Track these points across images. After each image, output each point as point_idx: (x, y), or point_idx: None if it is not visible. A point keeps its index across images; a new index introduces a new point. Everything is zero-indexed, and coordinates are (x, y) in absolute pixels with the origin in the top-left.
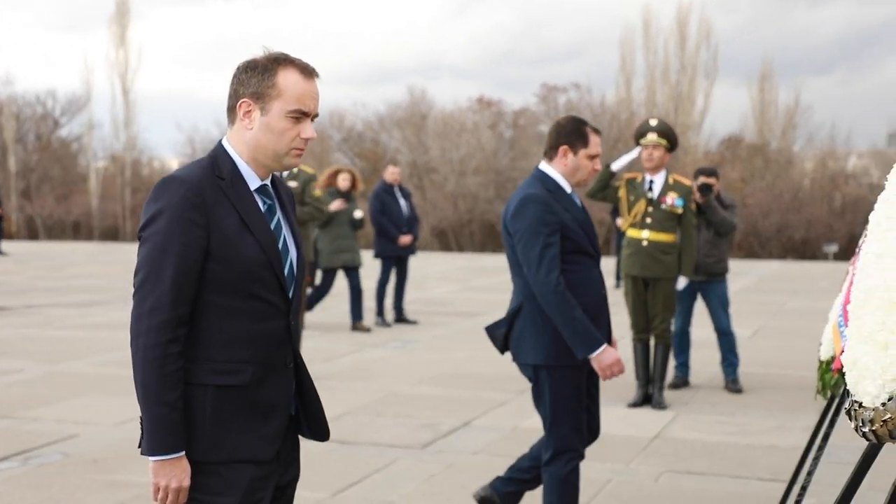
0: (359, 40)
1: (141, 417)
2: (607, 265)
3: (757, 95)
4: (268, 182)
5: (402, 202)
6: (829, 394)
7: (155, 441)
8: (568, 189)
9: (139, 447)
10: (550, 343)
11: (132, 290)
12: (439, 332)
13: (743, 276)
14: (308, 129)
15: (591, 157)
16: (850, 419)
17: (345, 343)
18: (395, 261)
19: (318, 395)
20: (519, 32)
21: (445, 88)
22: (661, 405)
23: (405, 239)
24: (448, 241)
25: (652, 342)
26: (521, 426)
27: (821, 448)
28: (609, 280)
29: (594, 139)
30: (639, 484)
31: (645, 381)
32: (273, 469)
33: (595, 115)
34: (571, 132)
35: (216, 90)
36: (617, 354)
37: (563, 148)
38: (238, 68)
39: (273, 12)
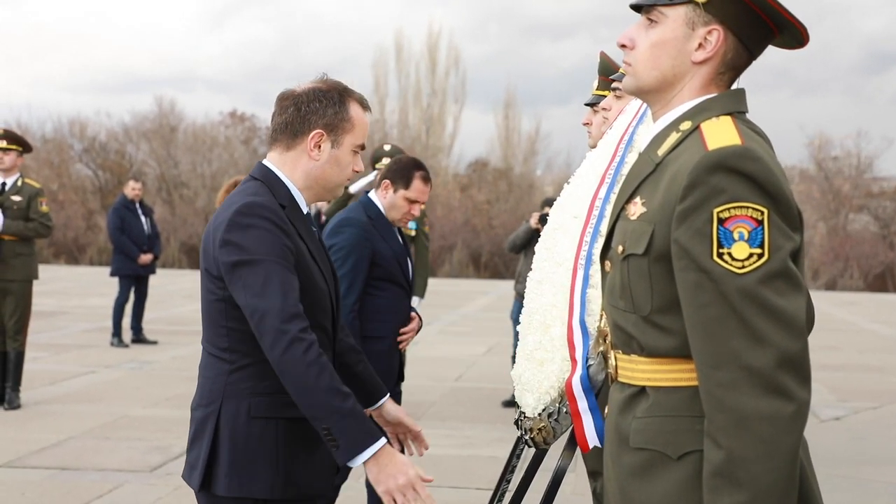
0: (105, 46)
1: (326, 431)
2: None
3: (502, 122)
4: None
5: (143, 219)
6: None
7: (355, 439)
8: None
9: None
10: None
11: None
12: (180, 351)
13: (484, 295)
14: (360, 162)
15: (410, 201)
16: (518, 428)
17: (75, 365)
18: (134, 279)
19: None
20: (277, 49)
21: (199, 101)
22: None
23: (145, 258)
24: (198, 257)
25: None
26: None
27: (518, 455)
28: None
29: (418, 185)
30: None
31: None
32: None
33: None
34: (398, 171)
35: None
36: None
37: (385, 182)
38: (304, 95)
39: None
